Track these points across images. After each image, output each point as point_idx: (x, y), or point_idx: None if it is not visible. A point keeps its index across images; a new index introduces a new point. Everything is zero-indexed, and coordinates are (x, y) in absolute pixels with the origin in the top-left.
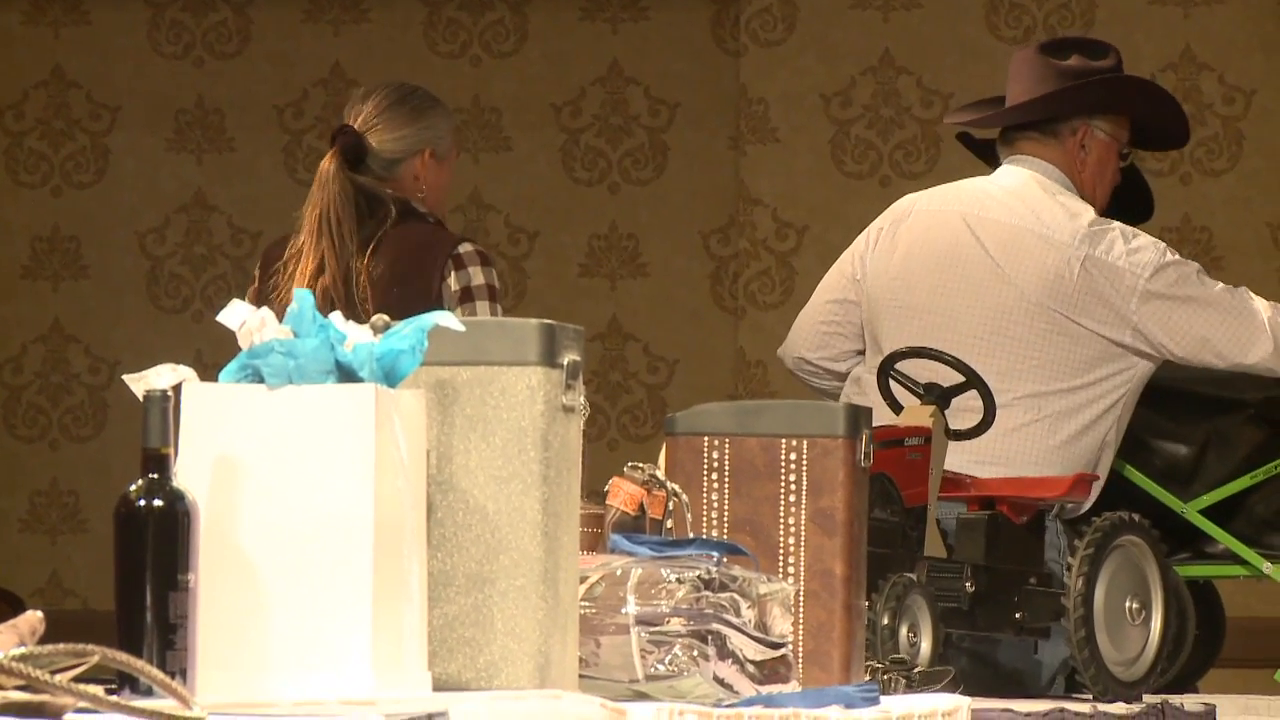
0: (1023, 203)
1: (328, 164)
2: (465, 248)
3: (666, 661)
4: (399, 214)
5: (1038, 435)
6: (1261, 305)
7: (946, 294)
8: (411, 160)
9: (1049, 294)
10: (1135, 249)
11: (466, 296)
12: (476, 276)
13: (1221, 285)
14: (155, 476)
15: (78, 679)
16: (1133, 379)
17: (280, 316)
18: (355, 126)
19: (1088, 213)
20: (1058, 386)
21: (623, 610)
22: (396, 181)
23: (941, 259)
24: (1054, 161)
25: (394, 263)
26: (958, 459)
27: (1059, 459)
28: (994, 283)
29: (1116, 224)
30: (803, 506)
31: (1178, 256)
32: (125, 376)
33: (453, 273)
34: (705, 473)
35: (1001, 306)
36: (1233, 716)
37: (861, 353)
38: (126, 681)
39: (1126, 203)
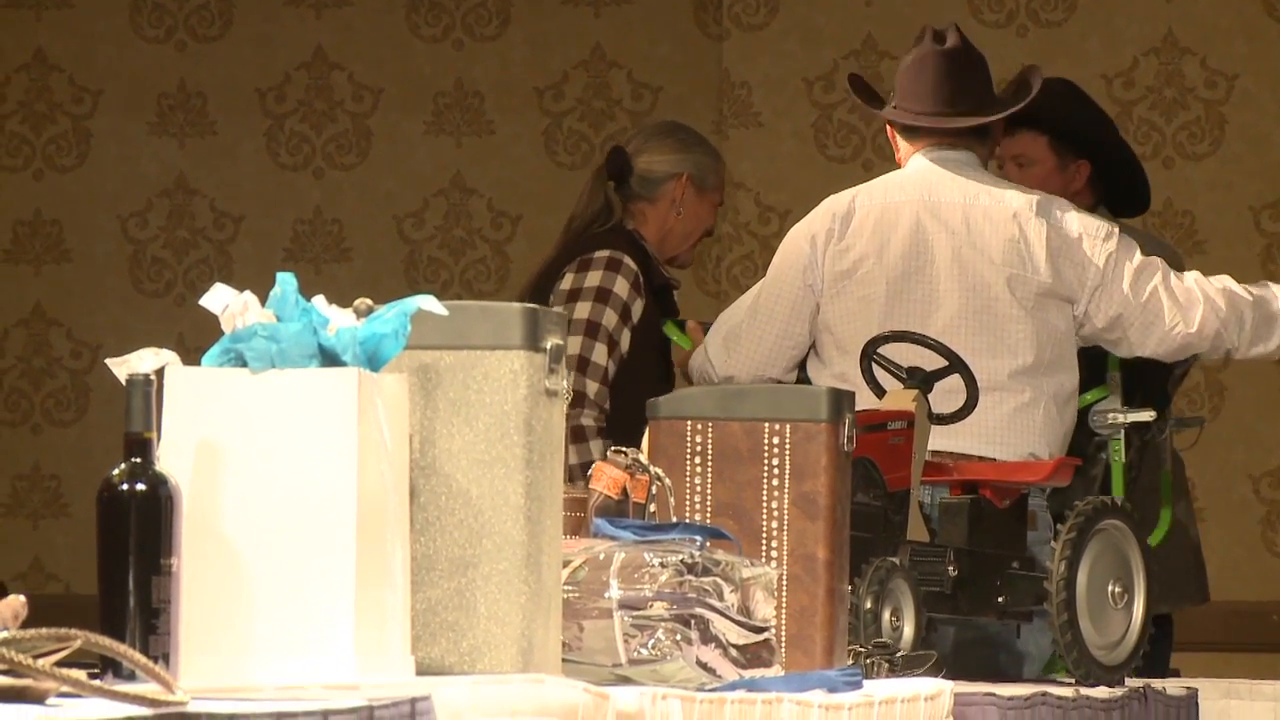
0: (971, 182)
1: (591, 173)
2: (600, 252)
3: (649, 646)
4: (610, 228)
5: (1041, 416)
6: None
7: (923, 280)
8: (671, 183)
9: (1019, 263)
10: (1085, 218)
11: (572, 297)
12: (592, 279)
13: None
14: (138, 461)
15: (60, 663)
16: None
17: None
18: (627, 149)
19: (1029, 190)
20: (1045, 359)
21: (606, 594)
22: (655, 202)
23: (909, 247)
24: (981, 159)
25: (557, 260)
26: (964, 440)
27: (1061, 438)
28: (967, 260)
29: (1058, 197)
30: (785, 491)
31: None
32: (108, 360)
33: (570, 274)
34: (688, 457)
35: (980, 283)
36: (1214, 700)
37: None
38: (109, 666)
39: (1124, 194)
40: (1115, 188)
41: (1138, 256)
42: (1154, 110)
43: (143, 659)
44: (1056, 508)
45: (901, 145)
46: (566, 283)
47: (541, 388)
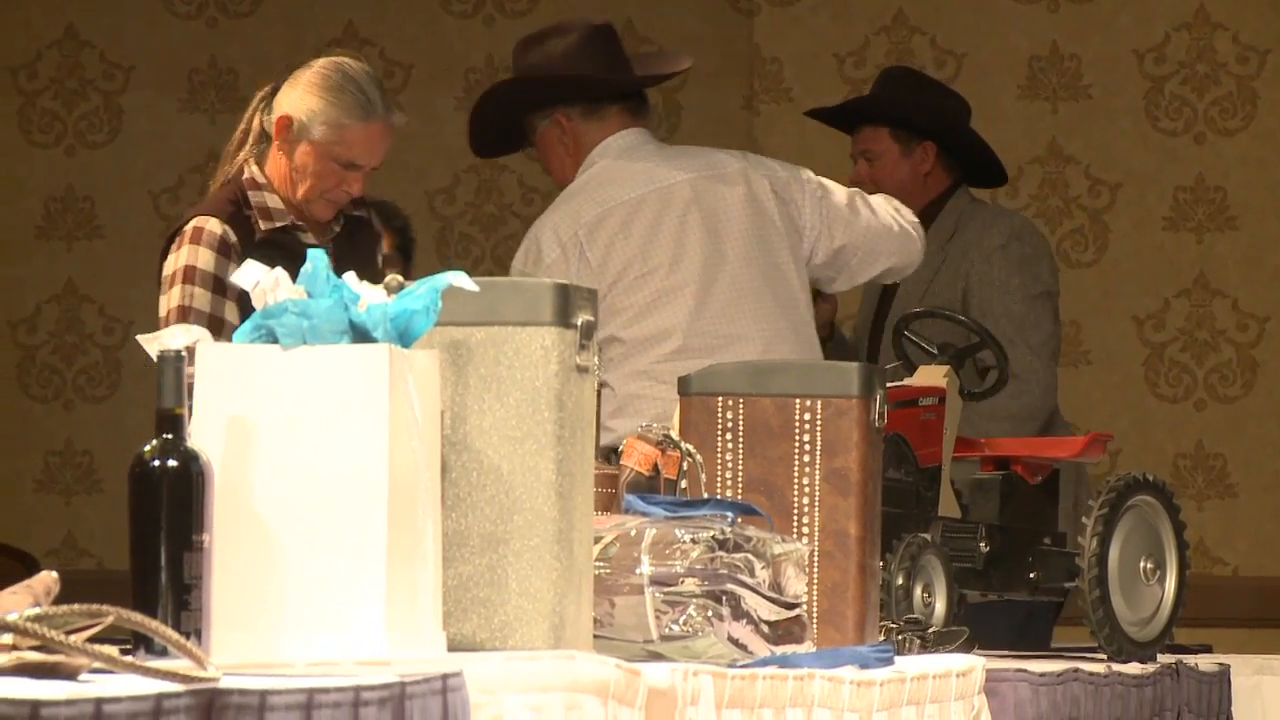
0: (680, 158)
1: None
2: (187, 225)
3: (681, 622)
4: (228, 179)
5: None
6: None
7: (689, 264)
8: (280, 120)
9: (765, 222)
10: (784, 162)
11: (165, 285)
12: (175, 260)
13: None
14: (169, 437)
15: (92, 639)
16: None
17: None
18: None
19: (729, 150)
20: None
21: (637, 571)
22: (273, 138)
23: (661, 239)
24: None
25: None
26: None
27: None
28: (722, 232)
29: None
30: (817, 467)
31: None
32: (139, 337)
33: (169, 255)
34: (719, 433)
35: (742, 252)
36: (1247, 676)
37: None
38: (141, 642)
39: (980, 168)
40: (970, 163)
41: (840, 189)
42: (1186, 86)
43: (174, 635)
44: None
45: (583, 136)
46: (166, 266)
47: (572, 364)
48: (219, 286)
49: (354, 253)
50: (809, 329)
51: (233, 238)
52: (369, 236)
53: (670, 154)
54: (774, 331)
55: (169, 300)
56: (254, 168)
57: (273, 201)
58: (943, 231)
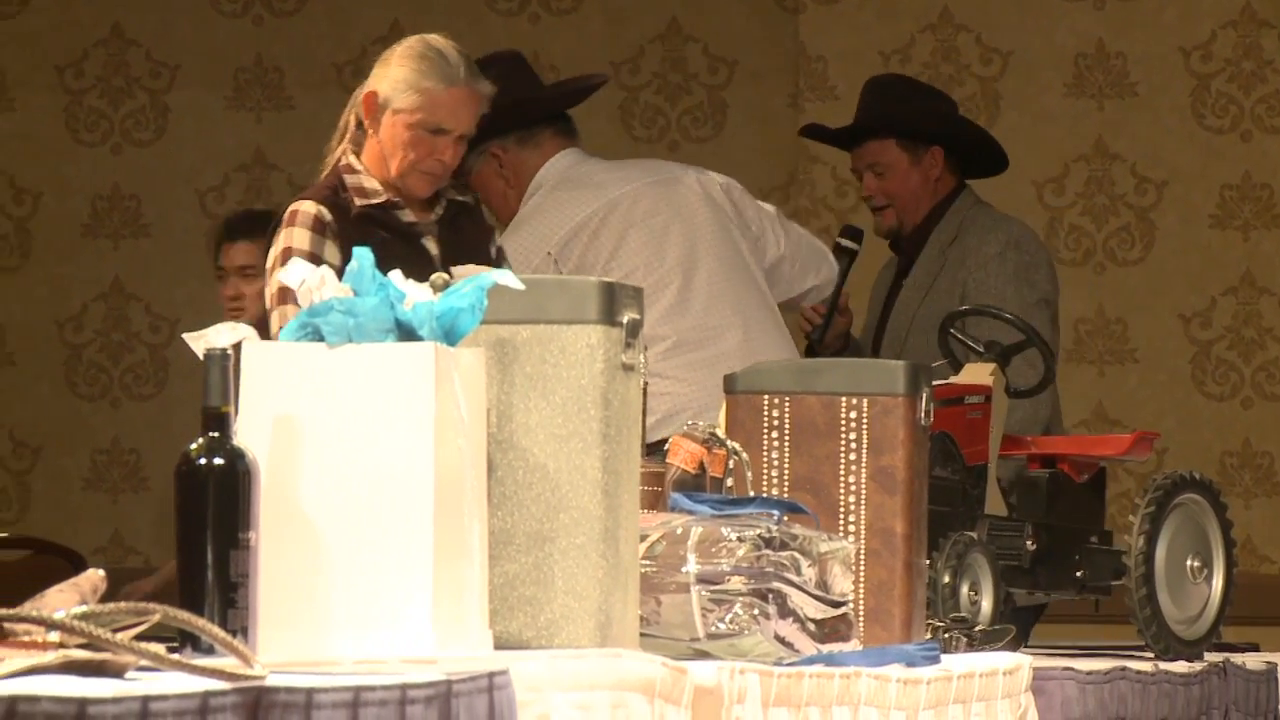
0: (630, 169)
1: None
2: (293, 205)
3: (727, 620)
4: (341, 157)
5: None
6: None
7: (666, 263)
8: (365, 99)
9: (728, 219)
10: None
11: (269, 273)
12: (274, 248)
13: None
14: (216, 435)
15: (139, 637)
16: None
17: None
18: None
19: (670, 162)
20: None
21: (683, 569)
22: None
23: (632, 243)
24: None
25: None
26: None
27: None
28: (696, 230)
29: None
30: (863, 465)
31: None
32: (185, 335)
33: (274, 235)
34: (765, 431)
35: (715, 248)
36: None
37: None
38: (188, 640)
39: (981, 160)
40: (970, 157)
41: (769, 205)
42: (1232, 83)
43: (221, 633)
44: None
45: (522, 164)
46: (269, 256)
47: (618, 362)
48: (315, 264)
49: (462, 242)
50: (777, 313)
51: (328, 216)
52: (479, 227)
53: (616, 166)
54: (753, 318)
55: (271, 286)
56: (351, 156)
57: (369, 183)
58: (945, 235)
